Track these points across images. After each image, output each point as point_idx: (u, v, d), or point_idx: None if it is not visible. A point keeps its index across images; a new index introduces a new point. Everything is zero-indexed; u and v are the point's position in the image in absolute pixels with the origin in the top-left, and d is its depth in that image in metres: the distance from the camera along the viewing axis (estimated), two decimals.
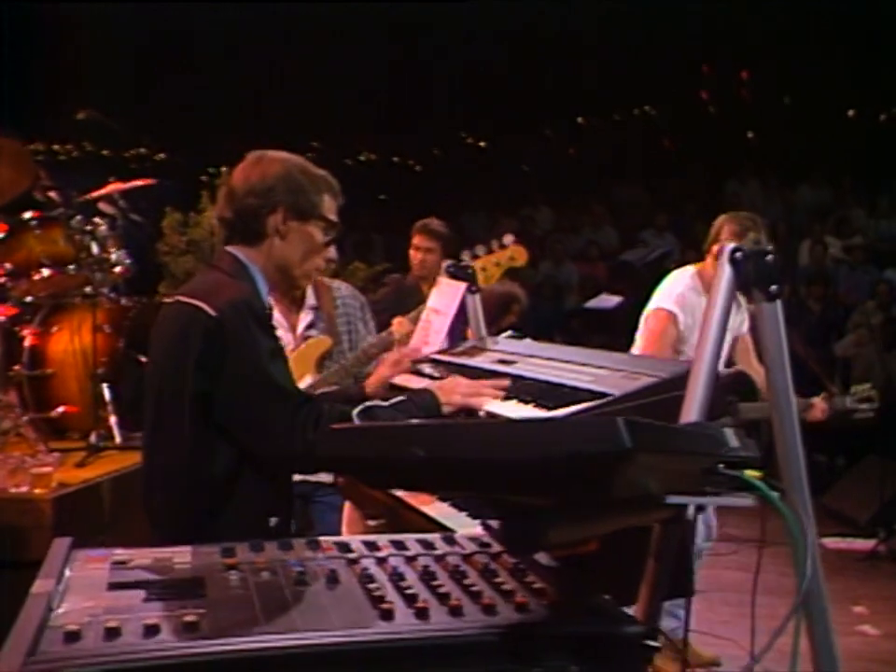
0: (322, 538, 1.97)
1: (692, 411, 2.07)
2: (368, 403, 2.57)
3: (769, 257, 2.13)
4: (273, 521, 2.61)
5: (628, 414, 2.24)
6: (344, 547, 1.92)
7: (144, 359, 5.13)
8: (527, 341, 3.32)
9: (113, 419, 4.86)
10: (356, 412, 2.53)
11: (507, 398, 2.59)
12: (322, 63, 14.46)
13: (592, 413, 2.25)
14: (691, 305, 4.71)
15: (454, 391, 2.65)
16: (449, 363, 3.13)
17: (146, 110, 12.61)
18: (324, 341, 4.09)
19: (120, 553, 1.86)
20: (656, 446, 1.28)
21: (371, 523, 2.99)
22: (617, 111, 17.43)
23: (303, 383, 3.70)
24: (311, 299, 4.15)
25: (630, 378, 2.40)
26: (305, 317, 4.13)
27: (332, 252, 2.82)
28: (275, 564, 1.81)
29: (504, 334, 3.53)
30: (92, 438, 4.70)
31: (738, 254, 2.13)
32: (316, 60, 14.54)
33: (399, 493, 2.86)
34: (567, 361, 2.76)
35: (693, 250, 12.82)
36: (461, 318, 3.45)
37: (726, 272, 2.14)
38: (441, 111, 15.13)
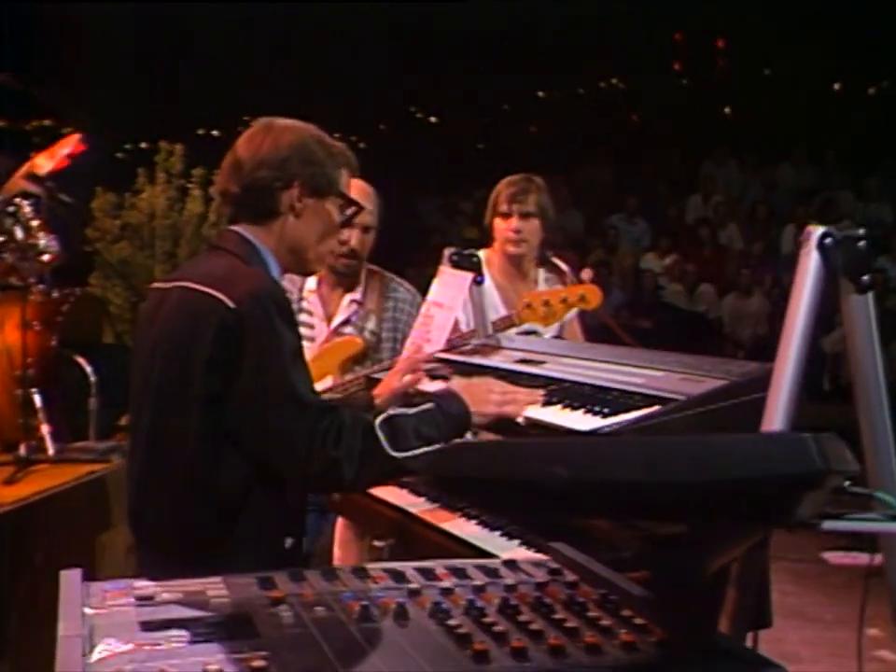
0: (370, 565, 1.90)
1: (776, 418, 2.02)
2: (390, 412, 2.48)
3: (862, 242, 2.08)
4: (289, 542, 2.53)
5: (697, 421, 2.23)
6: (399, 576, 1.85)
7: (80, 359, 5.05)
8: (547, 337, 3.27)
9: (45, 428, 4.69)
10: (377, 422, 2.44)
11: (548, 403, 2.53)
12: (260, 32, 14.32)
13: (655, 420, 2.20)
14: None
15: (486, 399, 2.57)
16: (462, 363, 3.07)
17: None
18: (353, 342, 3.92)
19: (142, 587, 1.77)
20: (840, 466, 1.21)
21: (378, 544, 2.93)
22: (581, 84, 17.46)
23: (322, 384, 3.59)
24: (358, 290, 4.01)
25: (692, 380, 2.35)
26: (345, 310, 4.01)
27: (346, 234, 2.74)
28: (326, 597, 1.73)
29: (515, 329, 3.47)
30: (22, 450, 4.55)
31: (828, 239, 2.08)
32: (256, 29, 14.39)
33: (415, 509, 2.80)
34: (605, 361, 2.71)
35: (666, 237, 12.92)
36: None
37: (814, 260, 2.09)
38: (385, 83, 15.02)
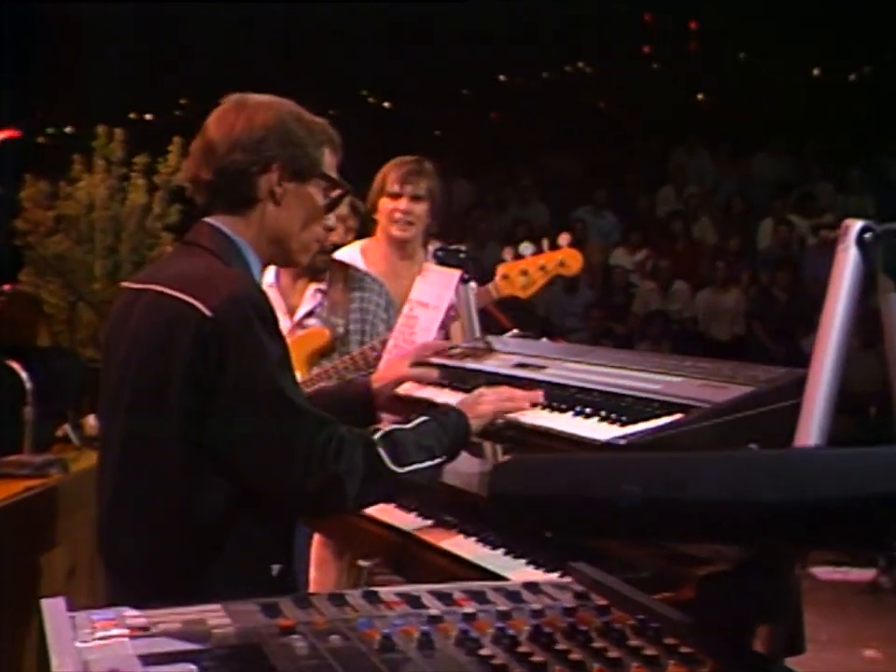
0: (381, 589, 1.86)
1: (812, 431, 2.00)
2: (388, 428, 2.47)
3: None
4: (276, 569, 2.47)
5: (724, 432, 2.20)
6: (414, 601, 1.81)
7: (14, 364, 4.97)
8: (544, 340, 3.25)
9: None
10: (377, 437, 2.42)
11: (556, 410, 2.51)
12: (198, 8, 14.18)
13: (679, 430, 2.17)
14: None
15: (479, 403, 2.59)
16: (454, 368, 3.04)
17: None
18: (320, 334, 3.93)
19: (133, 616, 1.72)
20: None
21: (364, 563, 2.90)
22: (545, 68, 17.47)
23: None
24: (323, 280, 4.02)
25: (714, 386, 2.33)
26: (309, 301, 3.97)
27: (332, 219, 2.70)
28: (339, 624, 1.69)
29: (509, 333, 3.45)
30: None
31: (868, 234, 2.06)
32: (206, 8, 14.28)
33: (407, 527, 2.77)
34: (613, 365, 2.69)
35: (636, 231, 12.96)
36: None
37: (852, 256, 2.07)
38: (336, 65, 14.94)
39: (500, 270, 3.71)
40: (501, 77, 17.87)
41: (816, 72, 16.35)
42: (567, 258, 3.68)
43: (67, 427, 4.99)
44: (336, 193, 2.66)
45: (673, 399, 2.34)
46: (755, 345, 11.18)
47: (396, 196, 4.37)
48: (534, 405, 2.56)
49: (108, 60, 14.59)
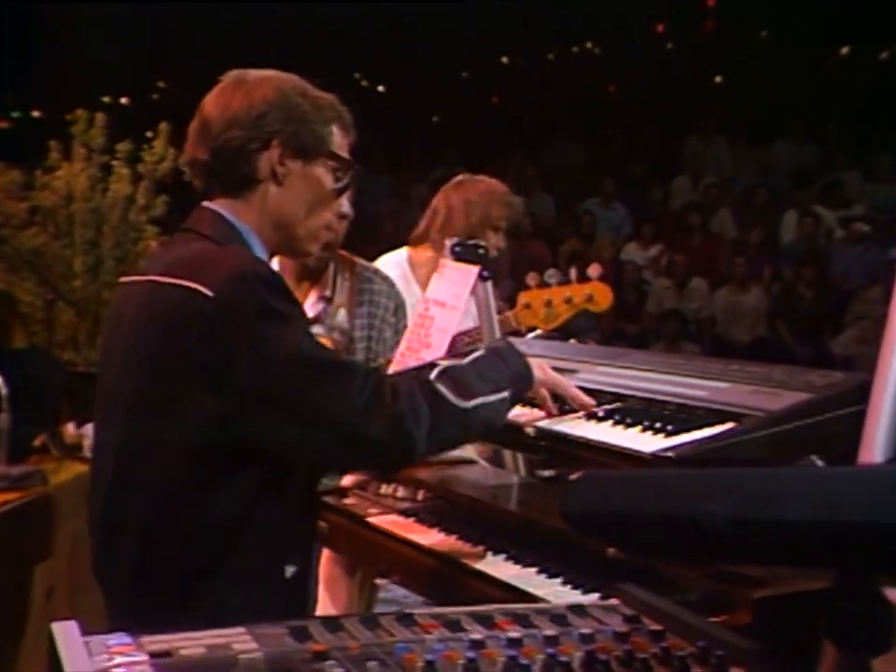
0: (415, 611, 1.85)
1: (878, 441, 1.99)
2: (442, 364, 2.43)
3: None
4: (291, 571, 2.45)
5: (779, 442, 2.20)
6: (453, 624, 1.80)
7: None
8: (571, 342, 3.24)
9: None
10: (432, 375, 2.38)
11: (593, 418, 2.50)
12: None
13: (730, 440, 2.17)
14: None
15: (547, 368, 2.60)
16: None
17: None
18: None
19: (153, 641, 1.70)
20: None
21: (380, 582, 2.89)
22: (551, 49, 17.46)
23: None
24: (327, 284, 3.97)
25: (766, 393, 2.33)
26: (312, 308, 3.95)
27: (346, 205, 2.68)
28: (375, 649, 1.68)
29: (532, 334, 3.45)
30: None
31: None
32: None
33: (429, 542, 2.76)
34: (652, 370, 2.69)
35: (649, 224, 12.96)
36: None
37: None
38: (325, 45, 14.92)
39: (522, 298, 3.70)
40: (503, 59, 17.85)
41: (844, 50, 16.27)
42: (596, 292, 3.68)
43: (46, 436, 4.97)
44: (347, 176, 2.64)
45: (722, 407, 2.34)
46: (778, 347, 11.18)
47: (498, 229, 4.51)
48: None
49: (79, 39, 14.58)
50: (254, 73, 2.60)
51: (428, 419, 2.33)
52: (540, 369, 2.61)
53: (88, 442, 4.73)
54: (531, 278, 3.78)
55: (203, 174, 2.57)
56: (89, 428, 4.77)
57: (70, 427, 4.95)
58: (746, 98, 15.26)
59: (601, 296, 3.72)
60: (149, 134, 6.21)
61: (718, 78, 16.91)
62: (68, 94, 9.85)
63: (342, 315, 3.94)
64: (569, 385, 2.63)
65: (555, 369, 2.89)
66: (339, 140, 2.62)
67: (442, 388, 2.38)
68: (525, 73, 17.47)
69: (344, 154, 2.63)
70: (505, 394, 2.47)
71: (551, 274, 3.78)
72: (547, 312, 3.65)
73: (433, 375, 2.40)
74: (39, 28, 14.28)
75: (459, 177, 4.79)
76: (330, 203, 2.63)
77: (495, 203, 4.60)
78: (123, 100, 16.39)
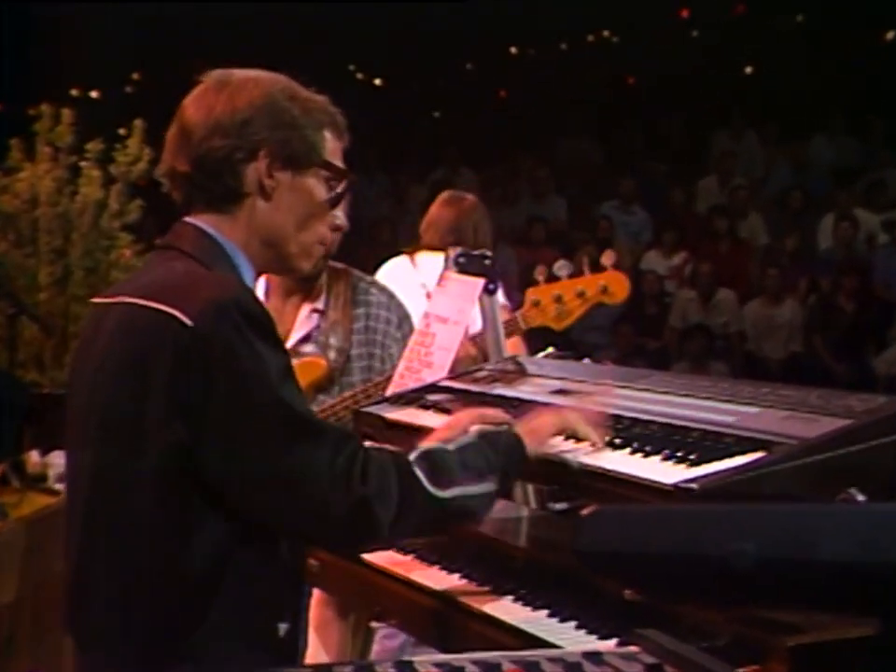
0: (416, 658, 1.86)
1: None
2: (425, 446, 2.47)
3: None
4: (284, 628, 2.45)
5: (816, 473, 2.20)
6: None
7: None
8: (586, 361, 3.26)
9: None
10: (412, 456, 2.42)
11: (610, 446, 2.51)
12: None
13: (761, 471, 2.17)
14: None
15: (542, 428, 2.59)
16: (479, 394, 3.04)
17: None
18: (315, 364, 3.89)
19: None
20: None
21: (376, 625, 2.90)
22: (564, 37, 17.48)
23: None
24: (320, 297, 3.99)
25: (801, 419, 2.33)
26: (304, 324, 3.96)
27: (340, 217, 2.69)
28: None
29: (544, 352, 3.46)
30: None
31: None
32: None
33: (432, 583, 2.77)
34: (674, 393, 2.70)
35: (672, 230, 12.96)
36: None
37: None
38: (317, 34, 14.95)
39: (530, 295, 3.71)
40: (512, 49, 17.87)
41: (889, 35, 16.22)
42: (611, 283, 3.68)
43: (6, 466, 4.98)
44: (341, 186, 2.65)
45: (751, 434, 2.35)
46: (815, 366, 11.17)
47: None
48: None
49: (44, 25, 14.58)
50: (238, 73, 2.60)
51: (396, 504, 2.36)
52: (534, 435, 2.60)
53: (53, 472, 4.73)
54: (539, 272, 3.78)
55: (184, 186, 2.58)
56: (54, 457, 4.78)
57: (34, 456, 4.95)
58: (779, 89, 15.26)
59: (617, 286, 3.72)
60: (123, 132, 6.21)
61: (748, 68, 16.91)
62: (31, 87, 9.86)
63: (337, 332, 3.95)
64: (576, 421, 2.61)
65: (567, 392, 2.90)
66: (332, 146, 2.63)
67: (419, 472, 2.41)
68: (534, 64, 17.50)
69: (338, 161, 2.65)
70: (491, 484, 2.50)
71: (561, 266, 3.76)
72: (558, 309, 3.66)
73: (412, 456, 2.44)
74: None
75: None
76: (324, 215, 2.64)
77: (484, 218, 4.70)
78: (93, 94, 16.41)
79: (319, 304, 3.97)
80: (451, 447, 2.49)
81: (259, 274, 2.64)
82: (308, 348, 3.95)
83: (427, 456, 2.44)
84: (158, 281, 2.49)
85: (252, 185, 2.54)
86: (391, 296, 4.06)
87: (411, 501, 2.38)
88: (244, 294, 2.44)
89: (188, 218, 2.58)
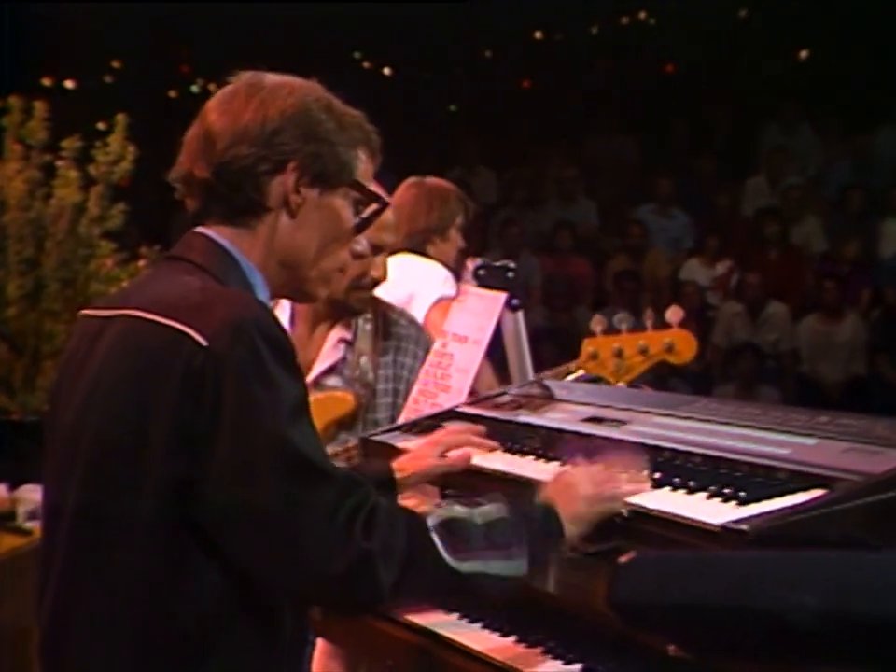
0: None
1: None
2: (448, 514, 2.49)
3: None
4: None
5: (881, 514, 2.19)
6: None
7: None
8: (620, 385, 3.27)
9: None
10: (431, 523, 2.45)
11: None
12: None
13: (821, 511, 2.17)
14: None
15: (578, 495, 2.59)
16: (502, 422, 3.06)
17: None
18: (342, 399, 3.90)
19: None
20: None
21: None
22: (595, 20, 17.49)
23: None
24: (349, 326, 4.01)
25: (864, 451, 2.34)
26: (330, 354, 3.99)
27: (363, 243, 2.72)
28: None
29: (572, 375, 3.48)
30: None
31: None
32: None
33: (447, 631, 2.78)
34: (718, 421, 2.70)
35: (715, 236, 12.95)
36: None
37: None
38: (322, 20, 14.99)
39: (587, 346, 3.72)
40: (536, 34, 17.88)
41: None
42: (678, 341, 3.71)
43: None
44: (370, 210, 2.70)
45: (808, 469, 2.36)
46: (880, 390, 11.14)
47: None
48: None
49: (7, 8, 14.63)
50: (271, 78, 2.65)
51: (401, 563, 2.38)
52: (571, 509, 2.60)
53: (23, 509, 4.75)
54: (596, 322, 3.80)
55: (201, 194, 2.62)
56: (25, 491, 4.80)
57: (1, 490, 4.97)
58: (838, 77, 15.20)
59: (684, 346, 3.76)
60: (103, 127, 6.23)
61: (803, 53, 16.86)
62: None
63: (364, 364, 3.96)
64: (612, 493, 2.60)
65: (600, 420, 2.91)
66: (364, 167, 2.68)
67: (436, 538, 2.44)
68: (563, 50, 17.49)
69: (370, 184, 2.70)
70: (519, 563, 2.51)
71: (621, 318, 3.79)
72: (617, 363, 3.67)
73: (431, 521, 2.46)
74: None
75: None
76: (348, 240, 2.70)
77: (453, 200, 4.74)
78: (69, 84, 16.44)
79: (348, 334, 3.99)
80: (477, 518, 2.50)
81: (273, 296, 2.67)
82: (332, 381, 3.97)
83: (450, 524, 2.47)
84: (168, 295, 2.52)
85: (276, 199, 2.59)
86: (419, 329, 4.09)
87: (421, 564, 2.41)
88: (264, 315, 2.47)
89: (201, 229, 2.62)
